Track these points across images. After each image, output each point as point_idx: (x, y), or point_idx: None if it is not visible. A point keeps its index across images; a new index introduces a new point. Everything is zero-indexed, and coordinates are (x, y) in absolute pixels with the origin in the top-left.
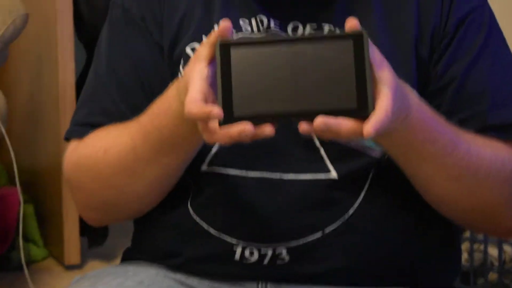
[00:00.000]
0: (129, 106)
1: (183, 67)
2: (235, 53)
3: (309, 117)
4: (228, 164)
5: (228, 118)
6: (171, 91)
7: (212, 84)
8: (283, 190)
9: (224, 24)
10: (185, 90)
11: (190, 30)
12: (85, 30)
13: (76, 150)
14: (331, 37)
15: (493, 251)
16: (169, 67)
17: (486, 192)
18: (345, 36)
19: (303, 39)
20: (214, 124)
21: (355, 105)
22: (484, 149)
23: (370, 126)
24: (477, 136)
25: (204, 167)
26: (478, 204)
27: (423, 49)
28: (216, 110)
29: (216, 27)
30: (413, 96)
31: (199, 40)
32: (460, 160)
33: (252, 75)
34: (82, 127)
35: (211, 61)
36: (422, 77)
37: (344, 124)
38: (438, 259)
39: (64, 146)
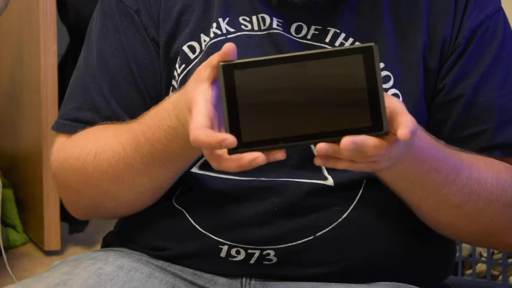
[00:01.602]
0: (120, 103)
1: (179, 66)
2: (239, 75)
3: (322, 139)
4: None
5: (237, 145)
6: (167, 105)
7: (216, 105)
8: (276, 193)
9: (228, 47)
10: (186, 110)
11: (187, 28)
12: (68, 13)
13: (65, 148)
14: (340, 52)
15: None
16: (165, 64)
17: (487, 218)
18: (354, 50)
19: (310, 55)
20: (222, 151)
21: (369, 123)
22: (486, 173)
23: (406, 129)
24: (479, 158)
25: (195, 169)
26: (479, 229)
27: (432, 60)
28: (231, 140)
29: (215, 25)
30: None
31: (197, 39)
32: (463, 188)
33: (259, 98)
34: (70, 122)
35: (214, 82)
36: (429, 88)
37: (369, 141)
38: (432, 260)
39: (45, 131)
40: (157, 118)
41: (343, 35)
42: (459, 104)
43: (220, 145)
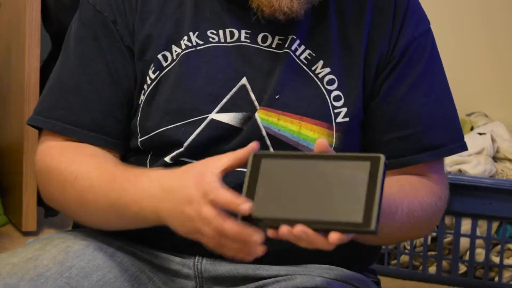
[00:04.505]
0: (97, 102)
1: (153, 72)
2: (265, 163)
3: (317, 226)
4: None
5: (247, 217)
6: (147, 199)
7: None
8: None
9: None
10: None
11: (160, 40)
12: (51, 22)
13: (52, 155)
14: (352, 157)
15: None
16: (139, 68)
17: (407, 235)
18: (364, 158)
19: (326, 156)
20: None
21: (360, 220)
22: (413, 203)
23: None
24: (406, 188)
25: (167, 159)
26: (399, 241)
27: (369, 69)
28: (247, 205)
29: (185, 38)
30: None
31: (170, 50)
32: (395, 225)
33: (275, 184)
34: (46, 118)
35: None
36: (366, 92)
37: (318, 239)
38: (362, 246)
39: (26, 126)
40: (136, 196)
41: (298, 41)
42: (391, 108)
43: (235, 206)
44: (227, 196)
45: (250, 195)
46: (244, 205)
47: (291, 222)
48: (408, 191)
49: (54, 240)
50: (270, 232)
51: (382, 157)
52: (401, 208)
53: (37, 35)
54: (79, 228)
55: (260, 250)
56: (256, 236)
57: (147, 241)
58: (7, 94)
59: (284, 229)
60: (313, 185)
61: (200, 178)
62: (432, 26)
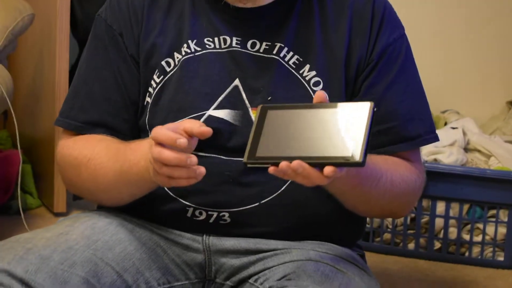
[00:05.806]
0: (106, 103)
1: (158, 77)
2: (270, 113)
3: (312, 161)
4: None
5: (251, 156)
6: (143, 162)
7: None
8: (230, 167)
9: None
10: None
11: (164, 48)
12: (78, 30)
13: (68, 146)
14: (346, 105)
15: None
16: (144, 73)
17: (391, 205)
18: (356, 105)
19: (324, 105)
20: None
21: (349, 153)
22: (395, 174)
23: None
24: (389, 161)
25: None
26: (385, 212)
27: (350, 71)
28: (183, 139)
29: (185, 45)
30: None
31: (172, 57)
32: (379, 190)
33: (278, 129)
34: (65, 119)
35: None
36: (348, 91)
37: (313, 172)
38: (349, 224)
39: None
40: (135, 158)
41: (286, 48)
42: None
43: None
44: (166, 132)
45: (256, 140)
46: (181, 139)
47: (290, 159)
48: (391, 164)
49: (82, 218)
50: (272, 169)
51: (371, 103)
52: (385, 175)
53: (66, 41)
54: (103, 209)
55: (202, 170)
56: (191, 158)
57: (162, 221)
58: (40, 93)
59: (283, 165)
60: (311, 129)
61: (155, 131)
62: (409, 32)
